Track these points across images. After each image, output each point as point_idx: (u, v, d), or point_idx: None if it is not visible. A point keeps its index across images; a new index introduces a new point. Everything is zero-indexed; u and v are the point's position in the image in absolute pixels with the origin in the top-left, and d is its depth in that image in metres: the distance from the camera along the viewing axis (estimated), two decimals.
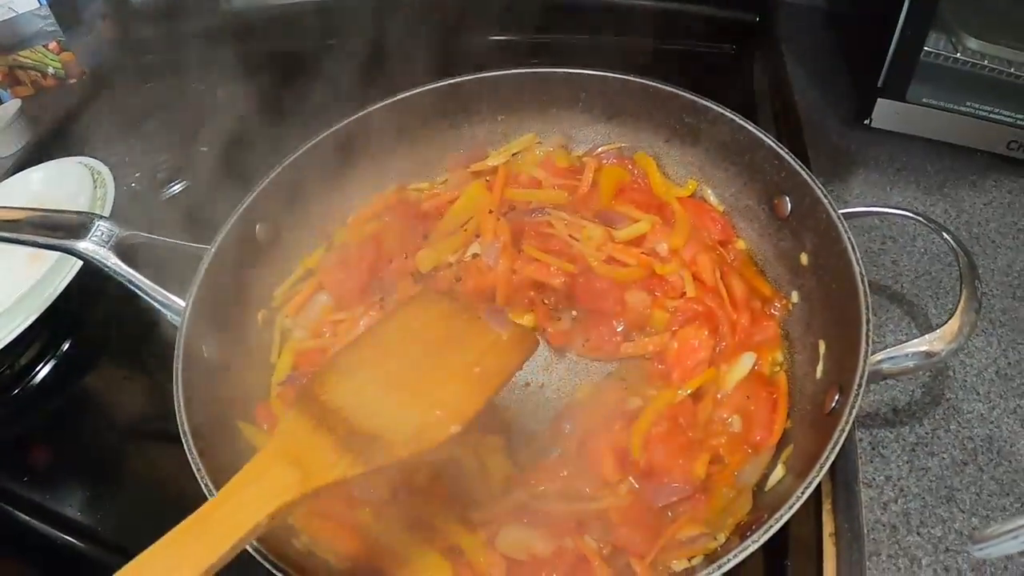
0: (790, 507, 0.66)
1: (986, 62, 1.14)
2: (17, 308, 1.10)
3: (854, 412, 0.71)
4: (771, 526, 0.66)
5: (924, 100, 1.19)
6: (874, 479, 0.89)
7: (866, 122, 1.24)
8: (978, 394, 0.95)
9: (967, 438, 0.91)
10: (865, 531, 0.83)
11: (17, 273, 1.14)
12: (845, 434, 0.69)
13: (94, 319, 1.20)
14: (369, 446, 0.66)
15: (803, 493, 0.67)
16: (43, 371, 1.15)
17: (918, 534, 0.85)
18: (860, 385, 0.72)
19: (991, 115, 1.17)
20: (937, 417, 0.93)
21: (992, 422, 0.93)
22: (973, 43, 1.14)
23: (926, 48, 1.13)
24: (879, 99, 1.20)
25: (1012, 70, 1.13)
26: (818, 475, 0.68)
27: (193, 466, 0.75)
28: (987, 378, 0.97)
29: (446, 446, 0.69)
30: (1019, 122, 1.16)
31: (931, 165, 1.24)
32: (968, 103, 1.17)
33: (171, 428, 0.88)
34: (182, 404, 0.80)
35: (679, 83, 1.05)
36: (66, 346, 1.18)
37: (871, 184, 1.22)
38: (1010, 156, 1.20)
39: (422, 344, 0.77)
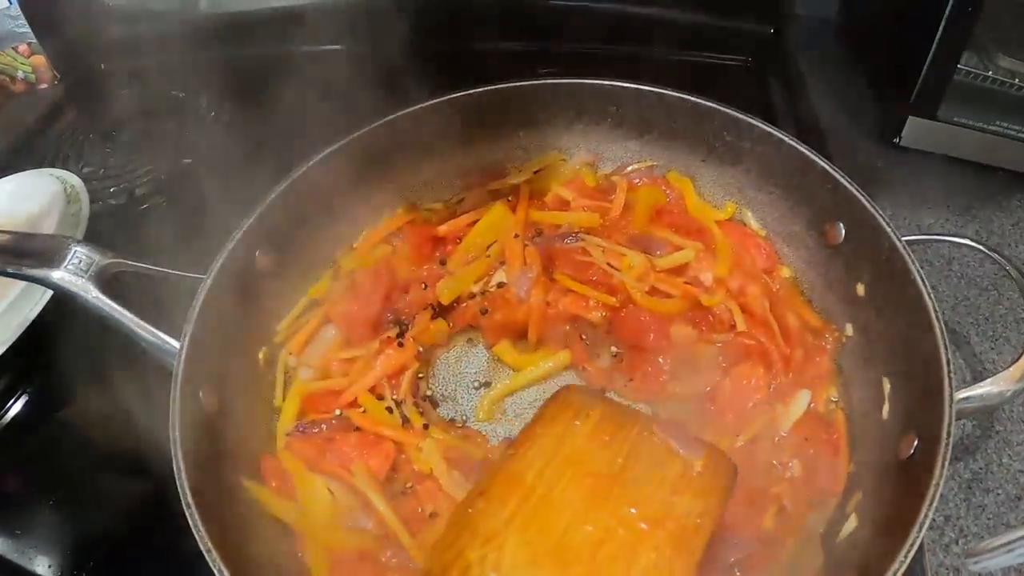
0: (895, 572, 0.61)
1: (1017, 81, 1.13)
2: None
3: (946, 465, 0.66)
4: None
5: (954, 118, 1.17)
6: (934, 520, 0.86)
7: (895, 140, 1.21)
8: None
9: (1019, 472, 0.90)
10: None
11: None
12: (940, 488, 0.64)
13: (70, 349, 1.08)
14: None
15: (906, 557, 0.61)
16: (15, 407, 1.07)
17: None
18: (950, 435, 0.67)
19: (1019, 134, 1.16)
20: (989, 451, 0.91)
21: None
22: (1005, 61, 1.13)
23: (959, 65, 1.11)
24: (910, 117, 1.18)
25: None
26: (919, 535, 0.62)
27: (196, 535, 0.66)
28: None
29: None
30: None
31: (958, 185, 1.21)
32: (997, 122, 1.16)
33: (153, 468, 0.80)
34: (181, 462, 0.71)
35: (698, 95, 1.00)
36: (40, 379, 1.10)
37: (900, 204, 1.19)
38: None
39: (586, 483, 0.60)
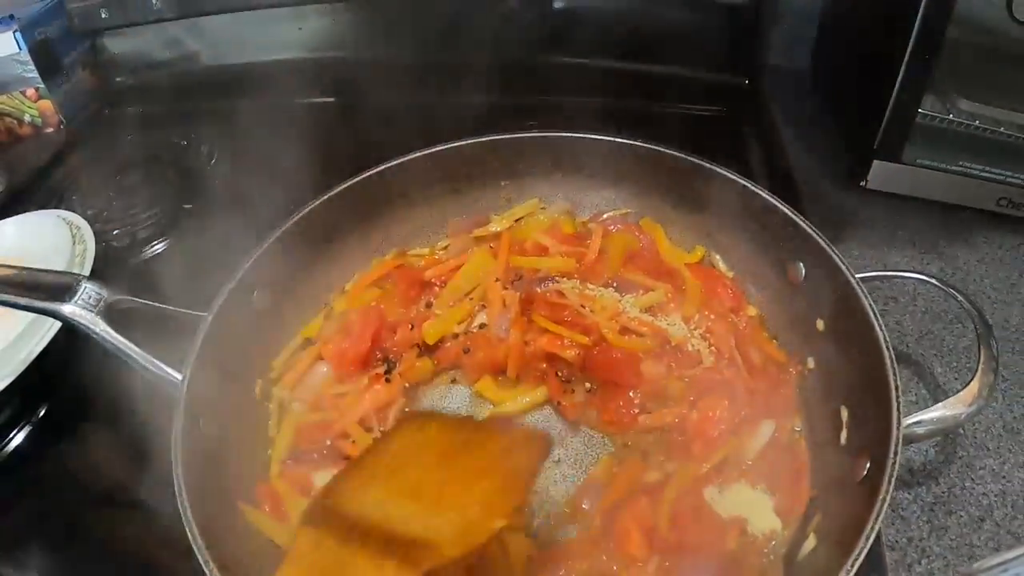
0: None
1: (977, 122, 1.17)
2: None
3: (892, 482, 0.70)
4: None
5: (918, 160, 1.21)
6: (897, 541, 0.88)
7: (862, 183, 1.25)
8: (988, 450, 0.96)
9: (982, 494, 0.92)
10: None
11: None
12: (887, 503, 0.69)
13: (72, 383, 1.13)
14: (412, 550, 0.59)
15: (852, 566, 0.65)
16: (17, 438, 1.09)
17: None
18: (896, 454, 0.72)
19: (982, 173, 1.20)
20: (952, 475, 0.94)
21: (1004, 476, 0.93)
22: (965, 104, 1.18)
23: (920, 110, 1.16)
24: (875, 161, 1.22)
25: (1002, 129, 1.16)
26: (865, 546, 0.66)
27: (199, 557, 0.70)
28: (995, 433, 0.98)
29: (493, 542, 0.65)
30: (1009, 179, 1.19)
31: (924, 224, 1.26)
32: (960, 162, 1.20)
33: (152, 501, 0.87)
34: (183, 487, 0.75)
35: (670, 146, 1.05)
36: (42, 412, 1.12)
37: (868, 245, 1.23)
38: (999, 212, 1.23)
39: (435, 454, 0.71)
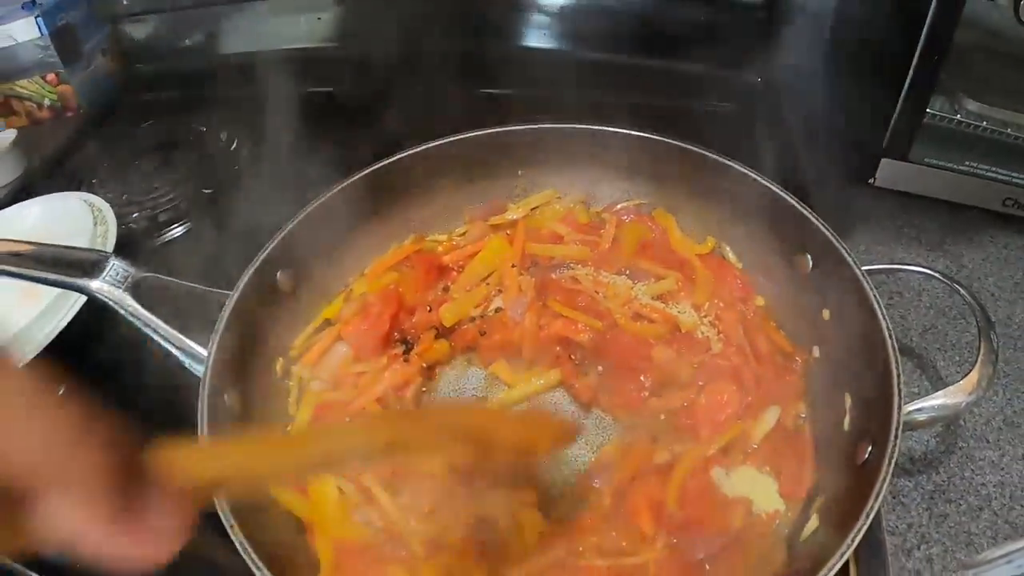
0: (842, 555, 0.67)
1: (985, 123, 1.18)
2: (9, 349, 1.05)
3: (892, 464, 0.72)
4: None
5: (925, 160, 1.22)
6: (897, 527, 0.90)
7: (870, 181, 1.27)
8: (988, 442, 0.98)
9: (981, 484, 0.94)
10: None
11: (9, 311, 1.09)
12: (886, 485, 0.71)
13: (93, 363, 1.13)
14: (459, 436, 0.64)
15: (853, 541, 0.67)
16: None
17: None
18: (896, 437, 0.73)
19: (988, 173, 1.21)
20: (952, 465, 0.96)
21: (1003, 468, 0.95)
22: (972, 105, 1.19)
23: (929, 111, 1.17)
24: (883, 159, 1.23)
25: (1009, 131, 1.18)
26: (864, 524, 0.68)
27: (220, 512, 0.72)
28: (995, 426, 1.00)
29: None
30: (1015, 180, 1.20)
31: (930, 222, 1.28)
32: (967, 162, 1.22)
33: None
34: None
35: (683, 140, 1.06)
36: (61, 391, 1.12)
37: (875, 241, 1.25)
38: (1005, 212, 1.24)
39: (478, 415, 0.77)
